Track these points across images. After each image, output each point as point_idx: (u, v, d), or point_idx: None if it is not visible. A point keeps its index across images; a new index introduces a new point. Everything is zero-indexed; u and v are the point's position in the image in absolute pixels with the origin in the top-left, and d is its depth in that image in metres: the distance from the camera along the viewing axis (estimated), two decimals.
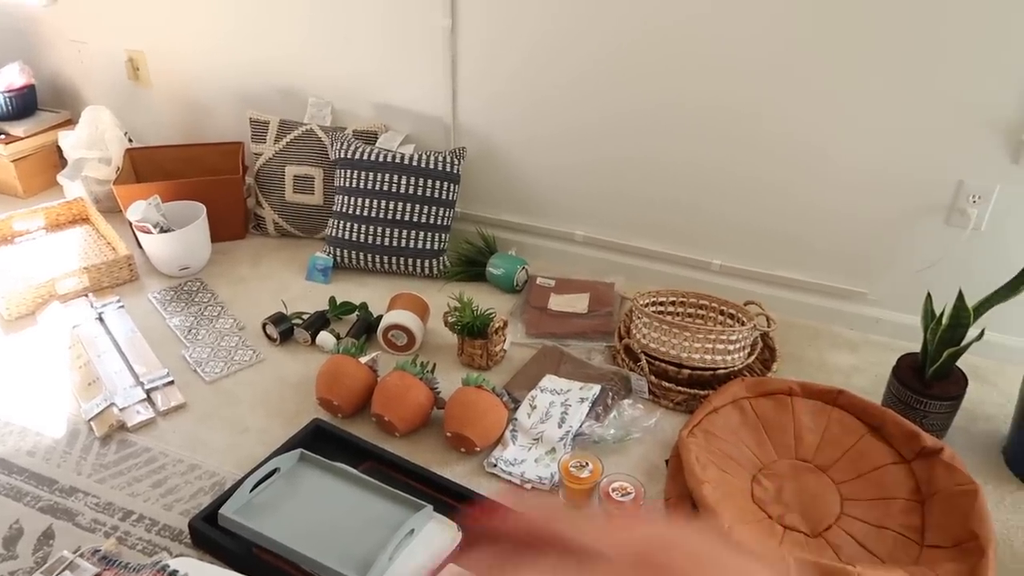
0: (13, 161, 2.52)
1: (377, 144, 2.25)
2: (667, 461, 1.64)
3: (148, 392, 1.77)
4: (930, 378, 1.66)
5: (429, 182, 2.16)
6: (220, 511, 1.39)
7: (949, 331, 1.61)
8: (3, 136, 2.55)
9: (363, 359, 1.74)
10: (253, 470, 1.48)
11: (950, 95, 1.73)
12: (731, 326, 1.93)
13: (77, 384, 1.79)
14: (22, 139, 2.54)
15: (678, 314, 2.00)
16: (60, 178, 2.48)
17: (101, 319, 1.99)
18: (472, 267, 2.23)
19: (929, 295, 1.68)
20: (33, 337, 1.96)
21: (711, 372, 1.78)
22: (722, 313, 1.98)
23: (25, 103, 2.60)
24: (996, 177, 1.78)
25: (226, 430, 1.70)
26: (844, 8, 1.73)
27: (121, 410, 1.71)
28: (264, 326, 1.96)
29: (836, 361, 1.97)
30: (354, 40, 2.25)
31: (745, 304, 1.95)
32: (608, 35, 1.96)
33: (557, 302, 2.09)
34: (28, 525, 1.46)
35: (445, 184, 2.18)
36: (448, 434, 1.64)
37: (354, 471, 1.51)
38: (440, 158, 2.17)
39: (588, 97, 2.06)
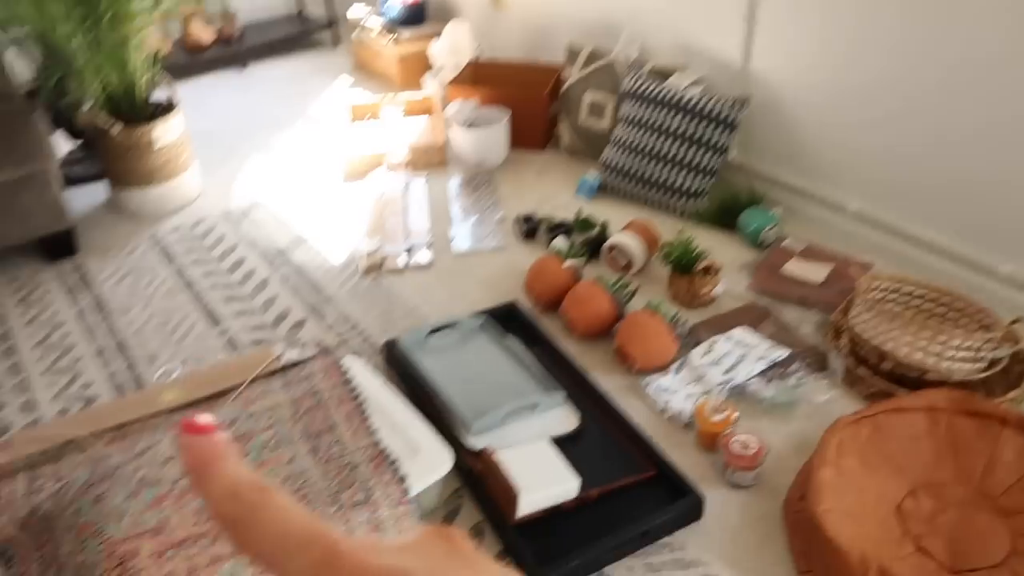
0: (399, 59, 3.12)
1: (668, 81, 2.32)
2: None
3: (410, 249, 2.15)
4: None
5: (702, 124, 2.18)
6: (398, 340, 1.69)
7: None
8: (397, 37, 3.16)
9: (568, 263, 1.89)
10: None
11: None
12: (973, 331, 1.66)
13: (367, 229, 2.24)
14: (408, 42, 3.12)
15: (923, 310, 1.77)
16: (425, 78, 3.00)
17: (406, 188, 2.44)
18: (726, 216, 2.20)
19: None
20: (358, 189, 2.48)
21: (919, 374, 1.57)
22: (981, 325, 1.69)
23: (416, 14, 3.18)
24: None
25: (450, 292, 2.00)
26: None
27: (385, 256, 2.11)
28: (515, 221, 2.21)
29: None
30: None
31: (1013, 323, 1.65)
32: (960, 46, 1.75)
33: (794, 267, 1.98)
34: (293, 313, 1.94)
35: (719, 129, 2.18)
36: (615, 347, 1.73)
37: (518, 348, 1.70)
38: (720, 103, 2.17)
39: (915, 91, 1.87)
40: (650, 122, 2.26)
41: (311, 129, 2.92)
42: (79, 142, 2.61)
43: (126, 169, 2.27)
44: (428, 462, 1.35)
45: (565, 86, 2.56)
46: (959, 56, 1.76)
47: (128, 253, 2.21)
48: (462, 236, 2.21)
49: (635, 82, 2.32)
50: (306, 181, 2.55)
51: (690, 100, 2.20)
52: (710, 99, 2.19)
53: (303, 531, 0.26)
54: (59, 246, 2.17)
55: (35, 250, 2.21)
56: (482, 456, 1.37)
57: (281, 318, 1.93)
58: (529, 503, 1.31)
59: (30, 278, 2.12)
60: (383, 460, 1.34)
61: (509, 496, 1.30)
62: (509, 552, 1.34)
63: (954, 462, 1.43)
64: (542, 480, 1.33)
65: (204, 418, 0.28)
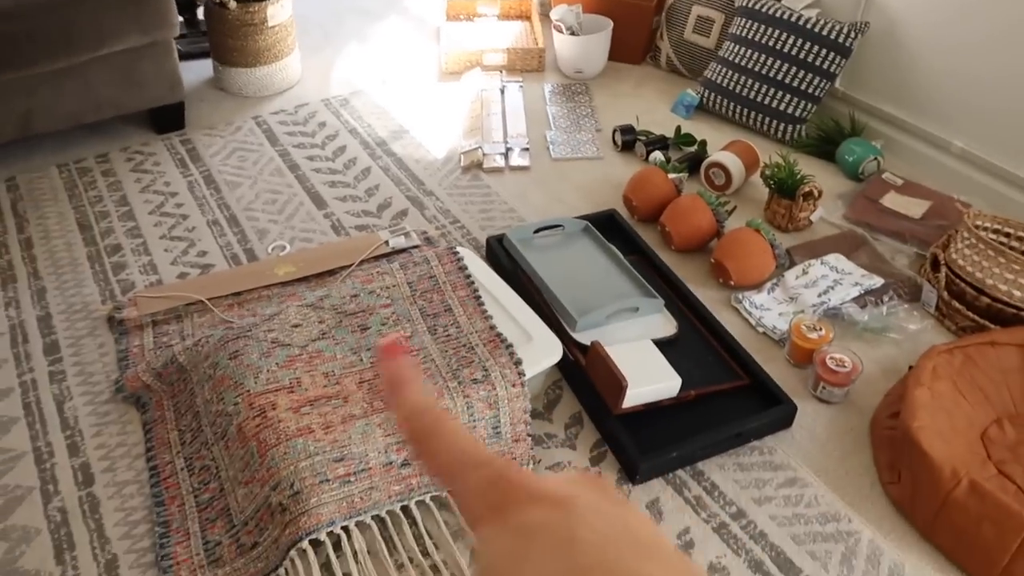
0: None
1: (783, 1, 2.28)
2: (911, 367, 1.58)
3: (508, 150, 2.19)
4: None
5: (815, 48, 2.15)
6: (506, 235, 1.75)
7: None
8: None
9: (672, 175, 1.92)
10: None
11: None
12: None
13: (465, 128, 2.28)
14: None
15: None
16: None
17: (502, 91, 2.45)
18: (826, 145, 2.20)
19: None
20: (454, 89, 2.50)
21: (1015, 311, 1.61)
22: None
23: None
24: None
25: (547, 196, 2.05)
26: None
27: (485, 155, 2.16)
28: (614, 133, 2.23)
29: None
30: None
31: None
32: None
33: (893, 200, 1.99)
34: (395, 202, 2.01)
35: (831, 54, 2.15)
36: (712, 260, 1.78)
37: (618, 253, 1.75)
38: (837, 28, 2.13)
39: None
40: (760, 41, 2.23)
41: (405, 23, 2.92)
42: (183, 18, 2.65)
43: (235, 47, 2.31)
44: (540, 349, 1.43)
45: None
46: None
47: (233, 131, 2.28)
48: (560, 142, 2.24)
49: None
50: (402, 74, 2.57)
51: (807, 21, 2.16)
52: (827, 22, 2.15)
53: (478, 452, 0.31)
54: (169, 119, 2.24)
55: (144, 121, 2.29)
56: (591, 349, 1.45)
57: (384, 206, 2.00)
58: (634, 396, 1.39)
59: (141, 148, 2.21)
60: (499, 343, 1.43)
61: (616, 388, 1.38)
62: (609, 440, 1.43)
63: None
64: (647, 376, 1.41)
65: (394, 338, 0.33)
